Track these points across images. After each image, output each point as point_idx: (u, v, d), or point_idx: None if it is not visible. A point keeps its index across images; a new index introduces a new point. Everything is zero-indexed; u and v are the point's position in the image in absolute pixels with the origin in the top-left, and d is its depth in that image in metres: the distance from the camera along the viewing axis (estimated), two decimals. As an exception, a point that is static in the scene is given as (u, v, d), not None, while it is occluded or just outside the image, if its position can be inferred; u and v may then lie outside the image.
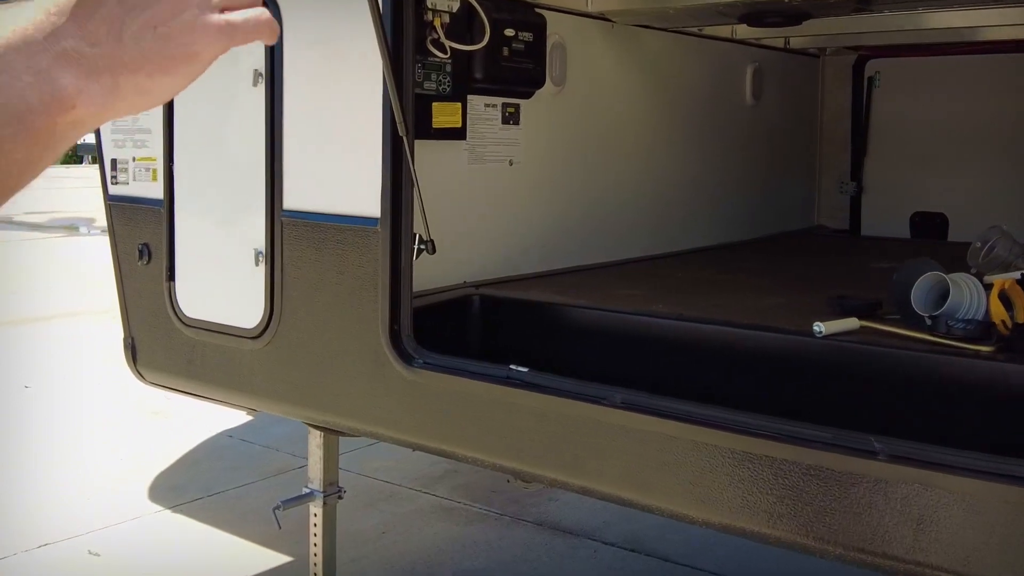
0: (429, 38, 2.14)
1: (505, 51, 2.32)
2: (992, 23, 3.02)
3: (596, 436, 1.77)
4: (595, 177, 2.81)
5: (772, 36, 3.29)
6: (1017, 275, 1.74)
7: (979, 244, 1.90)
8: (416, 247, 2.09)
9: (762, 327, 1.93)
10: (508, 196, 2.54)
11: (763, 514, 1.54)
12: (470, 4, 2.20)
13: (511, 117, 2.49)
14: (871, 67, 3.66)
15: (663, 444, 1.69)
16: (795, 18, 2.48)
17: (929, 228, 3.74)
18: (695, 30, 3.01)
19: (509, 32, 2.32)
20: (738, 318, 2.02)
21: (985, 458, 1.34)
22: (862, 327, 1.85)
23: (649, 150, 2.99)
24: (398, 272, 2.04)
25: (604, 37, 2.74)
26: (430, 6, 2.12)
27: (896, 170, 3.70)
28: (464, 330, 2.38)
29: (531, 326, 2.30)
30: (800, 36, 3.36)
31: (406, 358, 2.02)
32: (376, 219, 2.01)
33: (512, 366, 1.88)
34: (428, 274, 2.17)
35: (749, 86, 3.36)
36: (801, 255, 3.32)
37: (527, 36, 2.37)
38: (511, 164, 2.53)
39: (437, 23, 2.13)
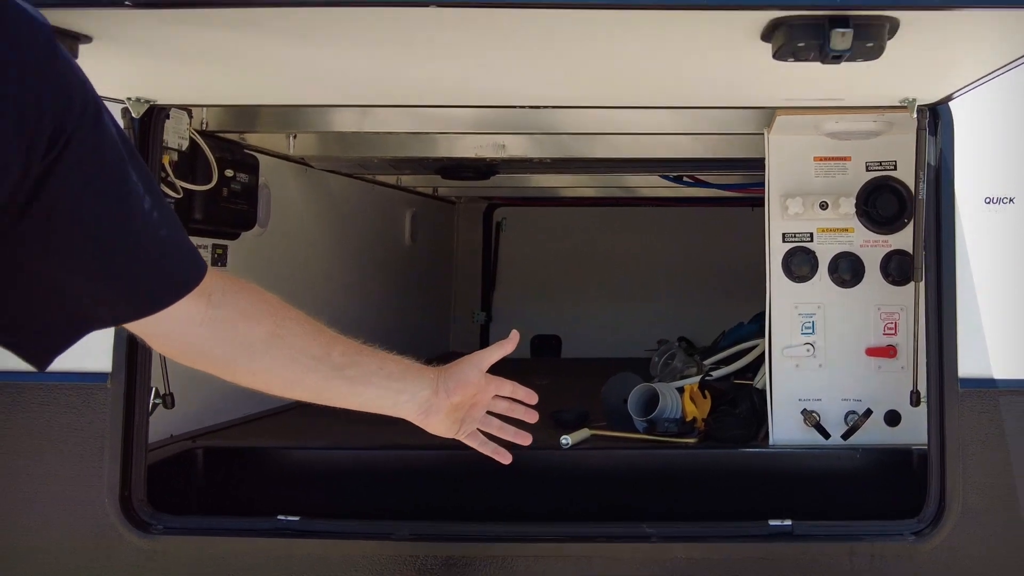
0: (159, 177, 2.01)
1: (224, 191, 2.26)
2: (583, 185, 3.69)
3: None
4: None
5: (424, 185, 3.61)
6: (698, 380, 2.19)
7: (656, 359, 2.33)
8: (152, 401, 1.92)
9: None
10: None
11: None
12: (194, 143, 2.13)
13: (220, 259, 2.40)
14: (498, 213, 4.25)
15: (465, 569, 1.76)
16: (485, 174, 2.80)
17: (546, 348, 4.32)
18: (370, 177, 3.20)
19: (228, 173, 2.27)
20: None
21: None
22: (592, 435, 2.15)
23: (333, 290, 3.05)
24: (131, 431, 1.84)
25: (297, 179, 2.79)
26: (163, 143, 2.00)
27: (519, 300, 4.24)
28: (184, 490, 2.17)
29: (265, 476, 2.20)
30: (444, 186, 3.73)
31: (141, 525, 1.82)
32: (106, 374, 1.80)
33: (280, 516, 1.83)
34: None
35: (408, 228, 3.63)
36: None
37: (244, 178, 2.33)
38: (219, 307, 2.41)
39: (166, 161, 2.02)
